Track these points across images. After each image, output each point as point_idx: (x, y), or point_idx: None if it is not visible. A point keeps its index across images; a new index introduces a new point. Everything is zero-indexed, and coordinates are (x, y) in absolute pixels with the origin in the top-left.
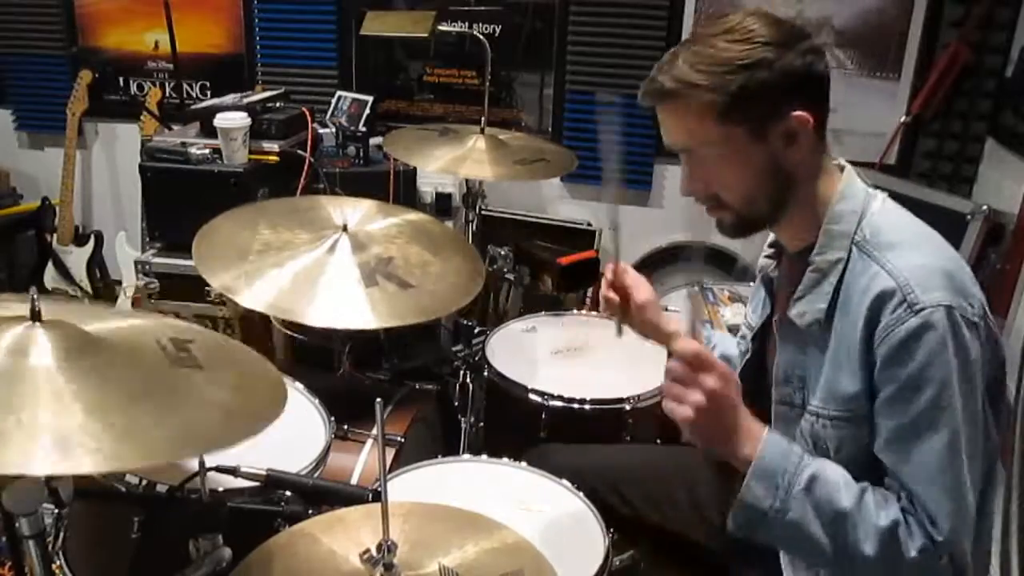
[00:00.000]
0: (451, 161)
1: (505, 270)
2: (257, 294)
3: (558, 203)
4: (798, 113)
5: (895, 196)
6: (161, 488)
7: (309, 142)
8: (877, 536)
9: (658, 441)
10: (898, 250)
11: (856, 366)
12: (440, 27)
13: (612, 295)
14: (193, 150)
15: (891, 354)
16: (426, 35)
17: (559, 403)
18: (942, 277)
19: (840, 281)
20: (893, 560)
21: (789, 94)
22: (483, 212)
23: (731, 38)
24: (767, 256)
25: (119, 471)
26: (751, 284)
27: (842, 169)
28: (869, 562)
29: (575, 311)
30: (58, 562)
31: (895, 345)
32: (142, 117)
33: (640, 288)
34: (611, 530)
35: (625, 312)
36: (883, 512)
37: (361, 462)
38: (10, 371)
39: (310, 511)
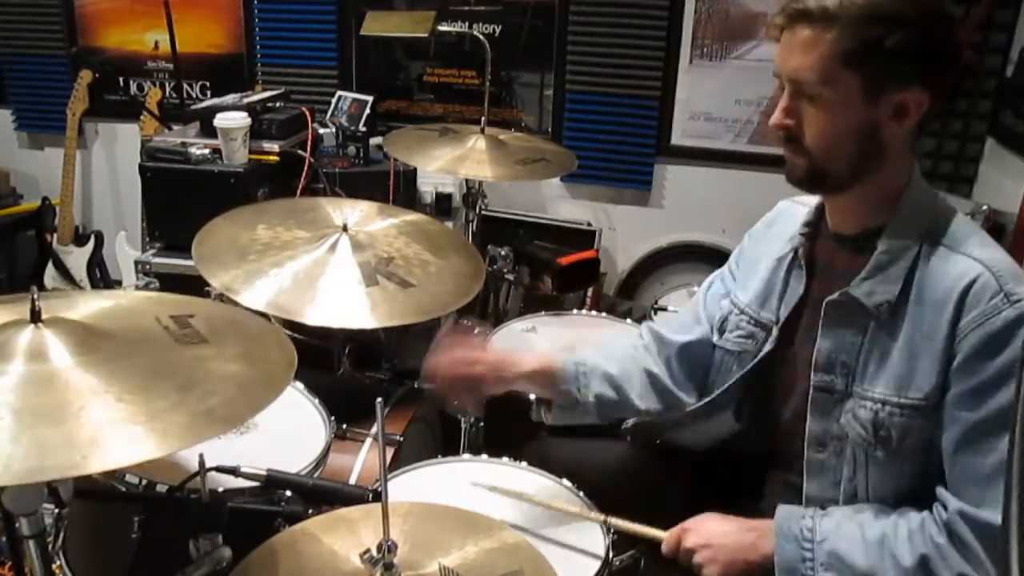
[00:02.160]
0: (451, 161)
1: (505, 270)
2: (257, 294)
3: (558, 203)
4: (918, 89)
5: None
6: (161, 488)
7: (309, 142)
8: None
9: (658, 442)
10: (974, 242)
11: (936, 355)
12: (440, 27)
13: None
14: (193, 150)
15: (985, 343)
16: (426, 35)
17: None
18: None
19: (912, 267)
20: None
21: (919, 69)
22: (483, 212)
23: None
24: (801, 234)
25: (156, 457)
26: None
27: None
28: None
29: (575, 311)
30: (58, 562)
31: (991, 334)
32: (142, 117)
33: (471, 360)
34: (611, 530)
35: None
36: (907, 550)
37: (361, 462)
38: (37, 376)
39: (310, 511)
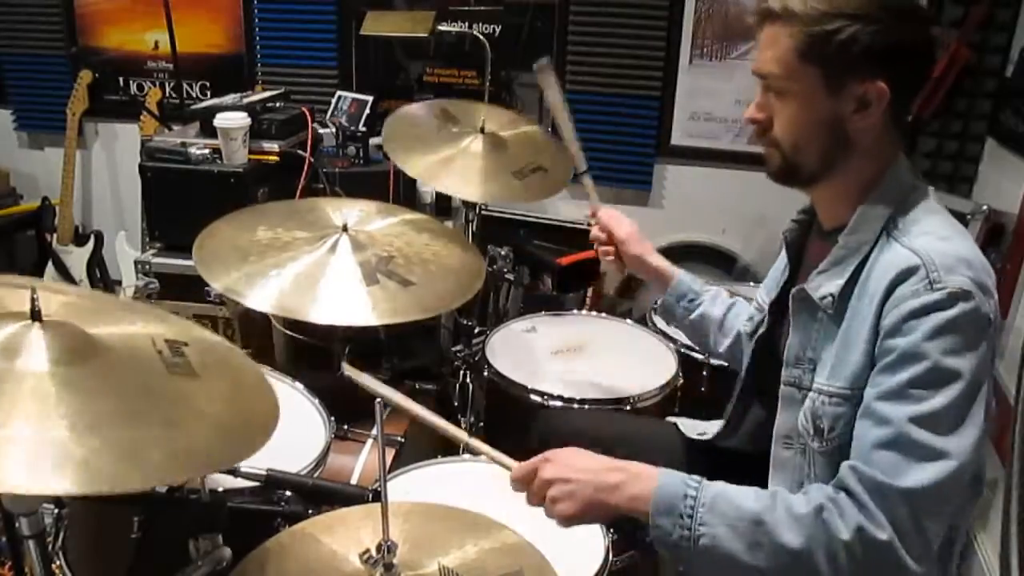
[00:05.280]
0: (444, 170)
1: (505, 270)
2: (261, 295)
3: (558, 203)
4: (877, 82)
5: None
6: (161, 488)
7: (309, 142)
8: (798, 525)
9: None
10: (927, 236)
11: (864, 341)
12: (440, 27)
13: (600, 233)
14: (193, 150)
15: (896, 323)
16: (426, 35)
17: (559, 403)
18: (969, 268)
19: (864, 263)
20: (828, 545)
21: (879, 62)
22: (483, 212)
23: None
24: (795, 220)
25: (98, 493)
26: (751, 284)
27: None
28: (805, 555)
29: (575, 311)
30: (58, 562)
31: (903, 314)
32: (142, 117)
33: (620, 223)
34: (611, 530)
35: (613, 251)
36: (802, 501)
37: (361, 462)
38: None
39: (310, 511)
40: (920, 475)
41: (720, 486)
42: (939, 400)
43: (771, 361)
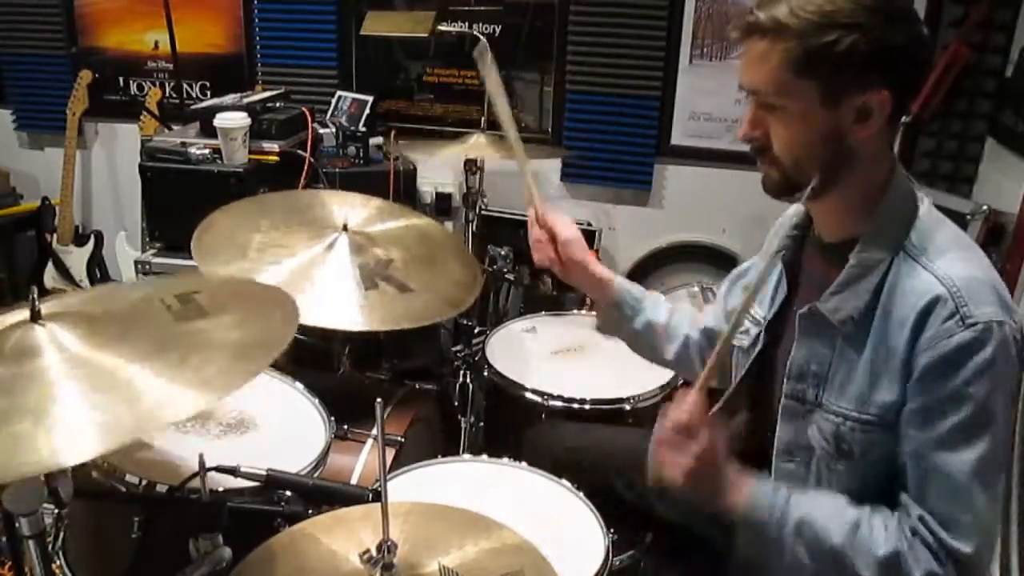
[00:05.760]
0: (452, 153)
1: (505, 270)
2: None
3: (558, 203)
4: (879, 91)
5: None
6: (161, 488)
7: (309, 142)
8: (877, 567)
9: None
10: (946, 258)
11: (896, 372)
12: (440, 27)
13: (540, 233)
14: (193, 150)
15: (935, 365)
16: (426, 35)
17: (559, 403)
18: (992, 292)
19: (882, 282)
20: None
21: (876, 69)
22: (483, 212)
23: None
24: (788, 236)
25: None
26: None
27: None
28: None
29: (575, 311)
30: (58, 562)
31: (943, 357)
32: (142, 117)
33: (565, 224)
34: (611, 530)
35: (553, 253)
36: (881, 540)
37: (361, 462)
38: (21, 373)
39: (310, 511)
40: (972, 540)
41: (806, 507)
42: (985, 444)
43: (764, 373)
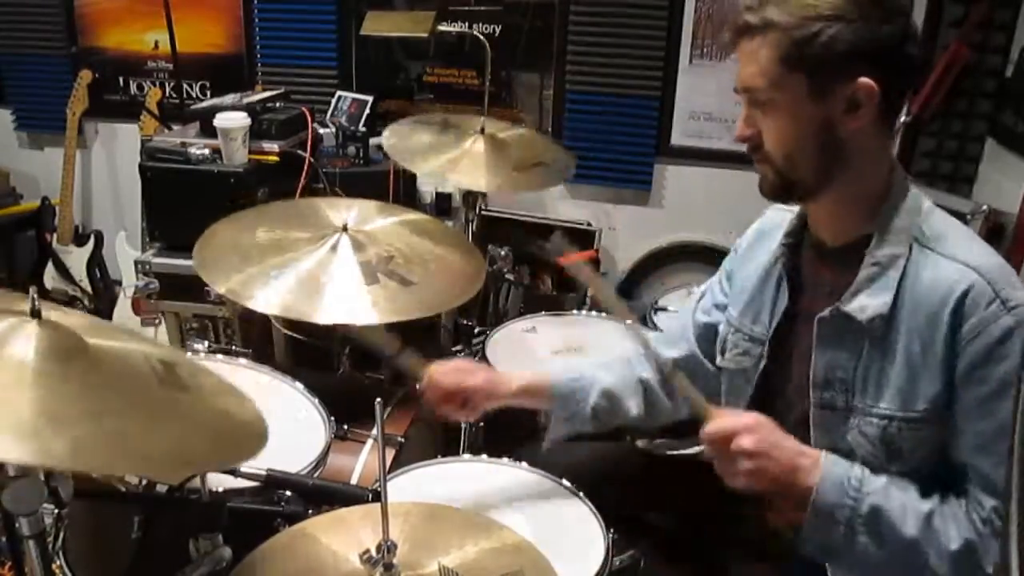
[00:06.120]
0: (447, 167)
1: (505, 270)
2: (264, 297)
3: (558, 203)
4: (865, 80)
5: None
6: (161, 488)
7: (309, 142)
8: (951, 560)
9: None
10: (964, 246)
11: (938, 365)
12: (440, 27)
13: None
14: (193, 150)
15: (985, 352)
16: (426, 35)
17: None
18: (1015, 276)
19: (902, 277)
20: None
21: (863, 60)
22: (483, 212)
23: None
24: (783, 244)
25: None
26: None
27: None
28: None
29: (575, 311)
30: (58, 562)
31: (991, 343)
32: (142, 117)
33: (470, 374)
34: (611, 530)
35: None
36: (954, 533)
37: (361, 462)
38: None
39: (310, 511)
40: None
41: (878, 498)
42: None
43: (768, 388)
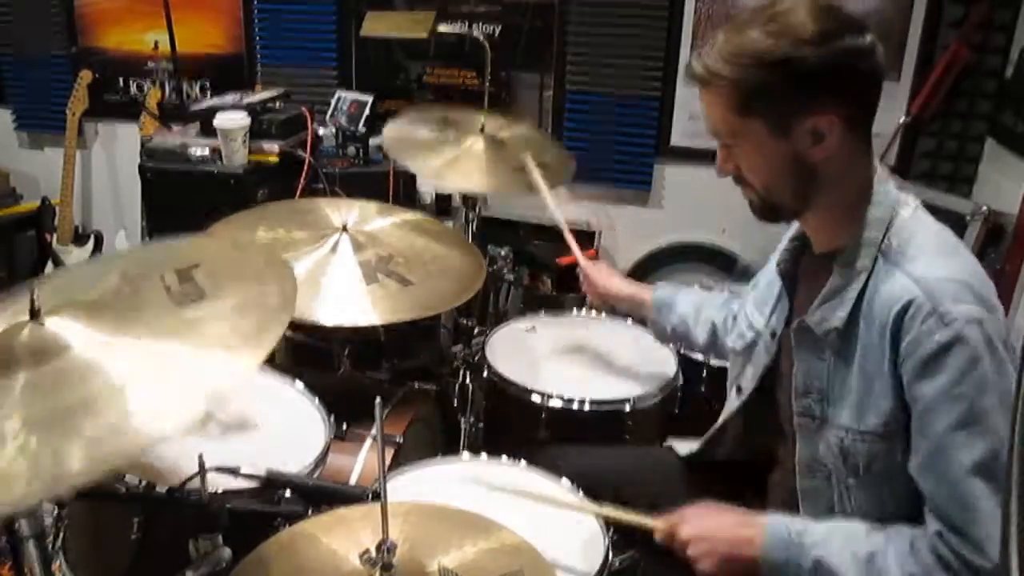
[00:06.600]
0: (447, 168)
1: (505, 270)
2: None
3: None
4: (824, 114)
5: None
6: (161, 488)
7: (309, 142)
8: None
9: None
10: (924, 260)
11: (887, 380)
12: (440, 27)
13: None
14: (193, 150)
15: (921, 367)
16: (426, 35)
17: (559, 403)
18: (968, 290)
19: (864, 289)
20: None
21: (817, 92)
22: (483, 212)
23: (767, 29)
24: (786, 248)
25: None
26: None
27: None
28: None
29: (575, 311)
30: (58, 562)
31: (924, 359)
32: (142, 117)
33: (607, 275)
34: (611, 530)
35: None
36: (905, 567)
37: (361, 462)
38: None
39: (310, 511)
40: (991, 549)
41: (821, 549)
42: (985, 445)
43: (774, 387)
